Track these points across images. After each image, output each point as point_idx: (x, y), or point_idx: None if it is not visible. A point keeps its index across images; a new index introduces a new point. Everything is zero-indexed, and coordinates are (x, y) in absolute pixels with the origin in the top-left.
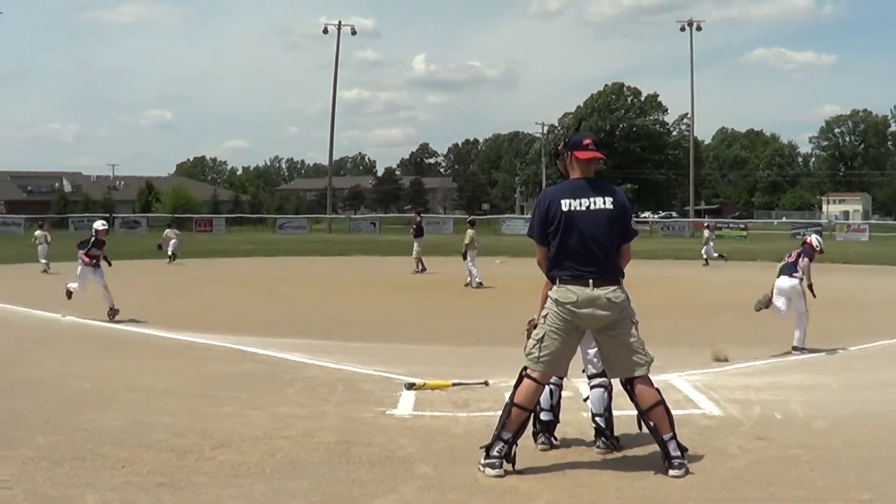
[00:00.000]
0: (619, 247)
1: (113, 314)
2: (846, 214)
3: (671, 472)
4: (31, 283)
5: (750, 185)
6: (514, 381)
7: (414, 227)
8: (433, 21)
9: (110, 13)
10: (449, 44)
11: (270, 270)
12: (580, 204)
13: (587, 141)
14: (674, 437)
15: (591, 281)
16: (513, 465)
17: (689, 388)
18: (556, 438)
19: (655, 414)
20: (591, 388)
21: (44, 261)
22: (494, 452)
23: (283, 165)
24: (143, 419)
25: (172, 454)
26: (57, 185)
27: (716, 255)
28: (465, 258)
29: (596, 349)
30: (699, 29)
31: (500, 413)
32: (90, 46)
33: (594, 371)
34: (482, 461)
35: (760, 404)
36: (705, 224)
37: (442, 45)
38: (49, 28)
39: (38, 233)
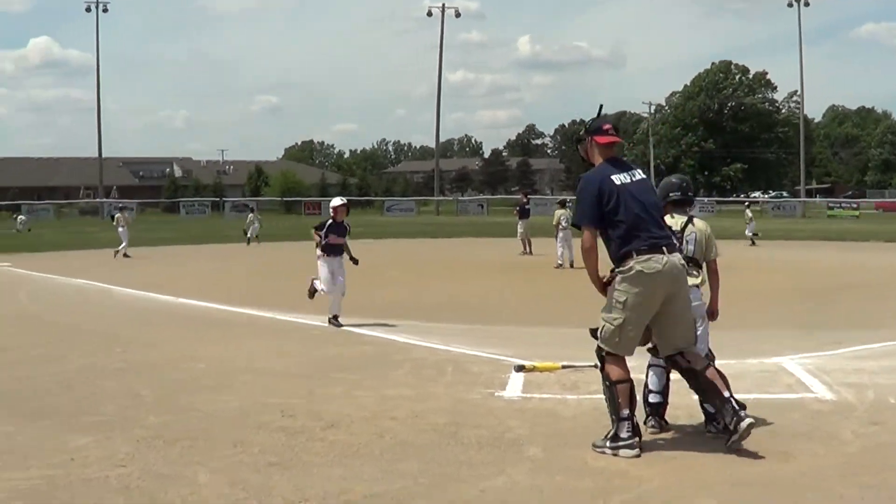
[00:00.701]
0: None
1: (335, 321)
2: None
3: (742, 423)
4: (144, 266)
5: (862, 164)
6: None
7: (518, 208)
8: (537, 2)
9: (221, 2)
10: (554, 24)
11: (378, 253)
12: (626, 177)
13: (606, 126)
14: (731, 396)
15: (664, 248)
16: (640, 440)
17: (801, 372)
18: (665, 421)
19: (711, 374)
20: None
21: (123, 244)
22: (624, 434)
23: (391, 148)
24: (256, 400)
25: (283, 434)
26: (168, 170)
27: (750, 234)
28: (556, 238)
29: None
30: (807, 5)
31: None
32: (201, 34)
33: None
34: (609, 447)
35: (874, 388)
36: (746, 204)
37: (547, 25)
38: (161, 17)
39: (117, 215)
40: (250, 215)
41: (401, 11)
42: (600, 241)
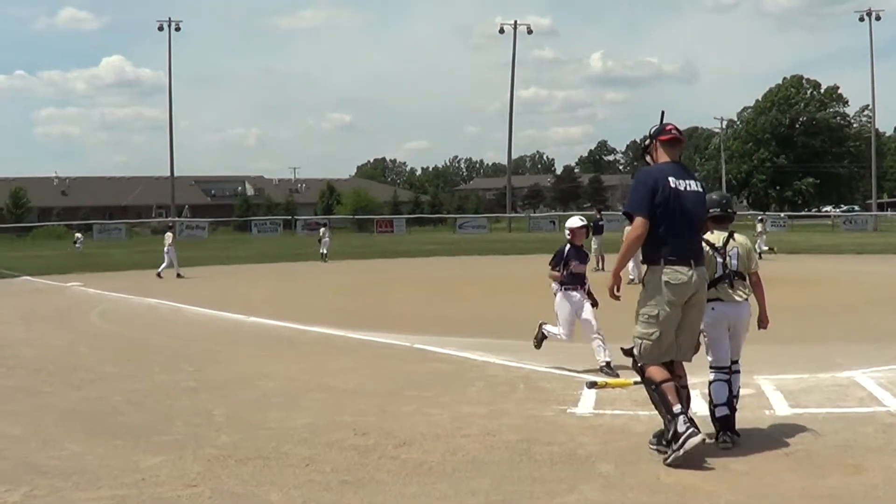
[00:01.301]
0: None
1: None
2: None
3: (690, 441)
4: (216, 285)
5: None
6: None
7: (592, 224)
8: (609, 18)
9: (292, 18)
10: (626, 40)
11: (452, 270)
12: (680, 184)
13: (669, 126)
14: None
15: (692, 261)
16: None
17: (873, 385)
18: (738, 434)
19: (685, 392)
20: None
21: (171, 267)
22: (682, 428)
23: (462, 165)
24: (327, 418)
25: (355, 452)
26: (239, 188)
27: (765, 248)
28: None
29: (734, 343)
30: (878, 18)
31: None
32: (272, 51)
33: (733, 359)
34: (674, 447)
35: None
36: (759, 217)
37: (619, 41)
38: (233, 36)
39: (168, 235)
40: (322, 229)
41: (473, 28)
42: None
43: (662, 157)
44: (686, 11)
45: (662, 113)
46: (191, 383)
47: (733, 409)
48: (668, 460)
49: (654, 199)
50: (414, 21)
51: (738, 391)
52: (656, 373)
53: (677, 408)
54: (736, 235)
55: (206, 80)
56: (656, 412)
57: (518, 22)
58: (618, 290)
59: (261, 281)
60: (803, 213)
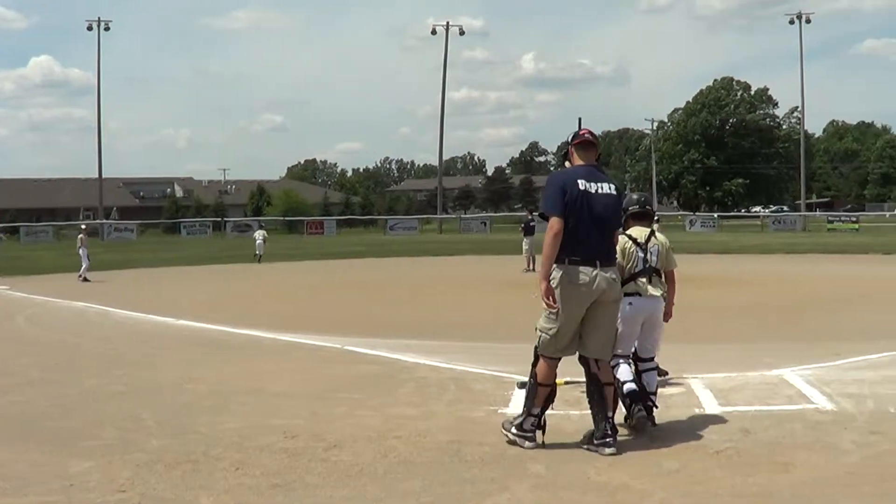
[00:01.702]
0: (615, 233)
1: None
2: None
3: (606, 450)
4: (144, 288)
5: (861, 178)
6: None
7: (523, 225)
8: (541, 20)
9: (224, 19)
10: (558, 42)
11: (382, 271)
12: (591, 186)
13: (583, 131)
14: (611, 418)
15: (598, 262)
16: (544, 435)
17: (801, 383)
18: (655, 406)
19: (609, 390)
20: (646, 370)
21: (84, 267)
22: (528, 426)
23: (394, 167)
24: (257, 421)
25: (286, 455)
26: (169, 190)
27: None
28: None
29: (655, 335)
30: (808, 21)
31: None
32: (204, 52)
33: (649, 355)
34: (514, 432)
35: (874, 398)
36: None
37: (551, 43)
38: (164, 36)
39: (80, 236)
40: (257, 231)
41: (406, 30)
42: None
43: (577, 160)
44: (619, 14)
45: (580, 119)
46: (120, 387)
47: (643, 389)
48: (504, 427)
49: (564, 198)
50: (347, 22)
51: (657, 388)
52: (542, 372)
53: (536, 410)
54: (657, 234)
55: (136, 81)
56: (588, 411)
57: (450, 23)
58: (553, 300)
59: (190, 283)
60: (733, 213)
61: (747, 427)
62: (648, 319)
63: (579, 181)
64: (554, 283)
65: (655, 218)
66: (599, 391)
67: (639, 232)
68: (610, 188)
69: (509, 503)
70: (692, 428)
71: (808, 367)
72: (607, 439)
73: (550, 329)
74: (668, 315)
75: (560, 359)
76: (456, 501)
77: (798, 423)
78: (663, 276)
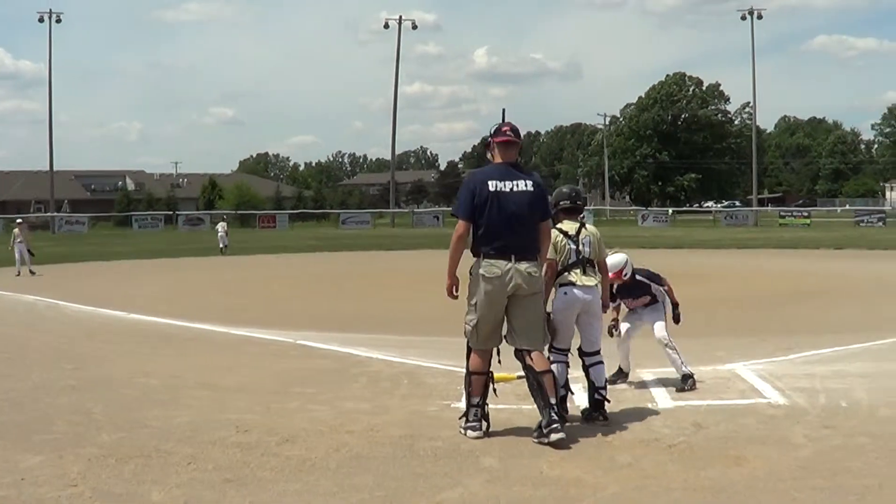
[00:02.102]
0: (539, 226)
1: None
2: None
3: (553, 436)
4: (95, 281)
5: (813, 173)
6: (580, 372)
7: None
8: (494, 15)
9: (177, 11)
10: (510, 37)
11: (335, 265)
12: (505, 185)
13: (505, 128)
14: (555, 405)
15: (512, 256)
16: (488, 426)
17: (753, 378)
18: (606, 419)
19: (547, 378)
20: (592, 364)
21: (24, 264)
22: (472, 417)
23: (346, 160)
24: (210, 416)
25: (238, 450)
26: (120, 183)
27: None
28: None
29: (594, 327)
30: (760, 17)
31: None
32: (156, 45)
33: (594, 348)
34: (463, 426)
35: (826, 393)
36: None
37: (504, 38)
38: (116, 28)
39: (15, 230)
40: (219, 224)
41: (359, 23)
42: None
43: (498, 157)
44: (571, 9)
45: (503, 111)
46: (71, 382)
47: (568, 389)
48: (463, 428)
49: (474, 201)
50: (300, 16)
51: (605, 382)
52: (475, 362)
53: (475, 400)
54: (588, 226)
55: (88, 74)
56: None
57: (403, 17)
58: (456, 291)
59: (142, 277)
60: (685, 208)
61: (700, 421)
62: (585, 310)
63: (489, 182)
64: (472, 276)
65: (581, 215)
66: (538, 381)
67: (569, 225)
68: (526, 185)
69: (462, 498)
70: (645, 422)
71: (760, 361)
72: (553, 426)
73: (471, 320)
74: (605, 305)
75: (490, 350)
76: (409, 496)
77: (750, 417)
78: (597, 266)
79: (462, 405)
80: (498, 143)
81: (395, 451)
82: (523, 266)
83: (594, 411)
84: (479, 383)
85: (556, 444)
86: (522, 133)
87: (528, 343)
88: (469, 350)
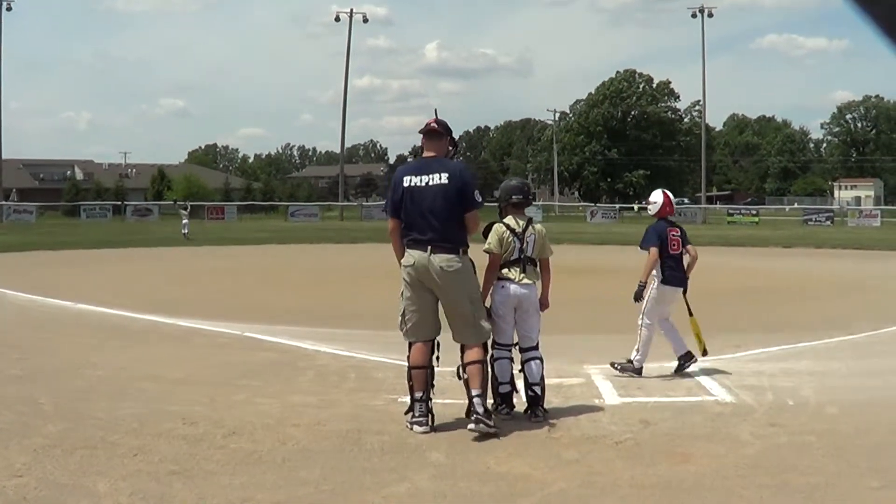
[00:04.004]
0: (462, 217)
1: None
2: (858, 200)
3: (469, 426)
4: (43, 271)
5: (761, 172)
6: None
7: None
8: (446, 9)
9: (128, 2)
10: (462, 32)
11: (283, 258)
12: (420, 180)
13: (429, 120)
14: (482, 395)
15: (428, 248)
16: (433, 421)
17: (701, 375)
18: (513, 407)
19: (472, 368)
20: (527, 360)
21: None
22: (417, 412)
23: (296, 153)
24: (156, 408)
25: (184, 442)
26: (69, 172)
27: None
28: None
29: (530, 324)
30: (710, 16)
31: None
32: (106, 35)
33: (530, 344)
34: (409, 421)
35: (773, 391)
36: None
37: (455, 32)
38: (67, 17)
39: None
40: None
41: (310, 16)
42: None
43: (426, 150)
44: (523, 4)
45: (435, 110)
46: (16, 371)
47: (515, 387)
48: (409, 423)
49: (393, 197)
50: (251, 8)
51: (542, 378)
52: (413, 357)
53: (417, 395)
54: (535, 224)
55: (38, 63)
56: (487, 400)
57: (354, 10)
58: None
59: (89, 267)
60: (634, 204)
61: (647, 418)
62: (520, 306)
63: (405, 178)
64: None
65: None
66: (463, 370)
67: (516, 221)
68: (440, 178)
69: (409, 492)
70: (592, 419)
71: (707, 358)
72: (472, 416)
73: (399, 310)
74: (544, 304)
75: (427, 342)
76: (355, 490)
77: (697, 414)
78: (538, 265)
79: (409, 400)
80: (423, 134)
81: (342, 444)
82: (437, 259)
83: (529, 407)
84: (419, 378)
85: (478, 436)
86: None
87: (459, 337)
88: (410, 345)
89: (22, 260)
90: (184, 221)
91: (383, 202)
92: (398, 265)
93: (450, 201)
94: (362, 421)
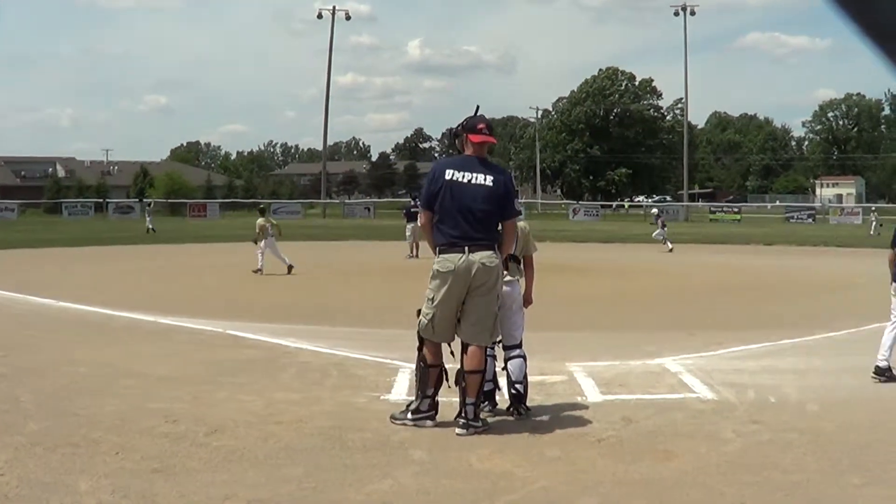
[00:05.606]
0: (502, 224)
1: None
2: (839, 198)
3: (457, 430)
4: (24, 268)
5: (743, 169)
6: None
7: (406, 210)
8: (428, 6)
9: None
10: (445, 29)
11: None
12: (462, 176)
13: (481, 125)
14: (476, 405)
15: (466, 248)
16: (437, 415)
17: (683, 372)
18: (496, 404)
19: (472, 378)
20: (510, 358)
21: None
22: (424, 408)
23: (278, 150)
24: (138, 405)
25: (166, 440)
26: (50, 170)
27: (669, 246)
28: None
29: (513, 321)
30: (693, 14)
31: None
32: (89, 32)
33: (513, 342)
34: (411, 418)
35: (755, 388)
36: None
37: (438, 30)
38: (50, 14)
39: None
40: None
41: (293, 13)
42: None
43: (468, 150)
44: (507, 2)
45: (477, 107)
46: (1, 369)
47: (497, 384)
48: (396, 419)
49: (432, 188)
50: (234, 4)
51: (525, 376)
52: (429, 355)
53: (430, 391)
54: (518, 221)
55: (20, 58)
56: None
57: (337, 7)
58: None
59: (71, 264)
60: (616, 202)
61: (629, 416)
62: (504, 304)
63: (447, 171)
64: (432, 270)
65: None
66: (463, 377)
67: None
68: (485, 179)
69: (391, 490)
70: (574, 416)
71: (689, 356)
72: (459, 420)
73: (427, 314)
74: (527, 301)
75: (440, 343)
76: (338, 488)
77: (679, 412)
78: (522, 262)
79: (392, 397)
80: (474, 143)
81: (324, 442)
82: (477, 256)
83: (512, 405)
84: (435, 375)
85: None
86: (453, 125)
87: (472, 338)
88: (421, 342)
89: (3, 257)
90: (148, 217)
91: (373, 199)
92: (404, 262)
93: (490, 204)
94: (345, 418)
